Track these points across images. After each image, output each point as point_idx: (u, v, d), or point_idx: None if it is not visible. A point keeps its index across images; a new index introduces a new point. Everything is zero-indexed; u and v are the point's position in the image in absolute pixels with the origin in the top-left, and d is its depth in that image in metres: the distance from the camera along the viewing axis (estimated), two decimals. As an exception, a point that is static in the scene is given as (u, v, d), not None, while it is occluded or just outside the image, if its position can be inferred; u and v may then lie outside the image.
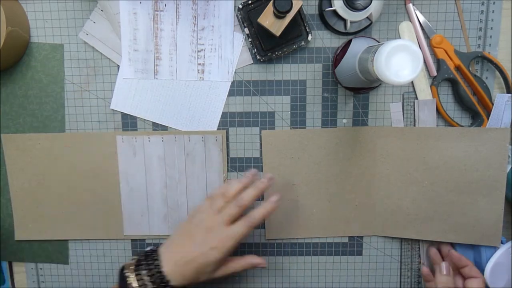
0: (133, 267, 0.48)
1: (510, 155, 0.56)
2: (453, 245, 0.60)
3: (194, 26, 0.56)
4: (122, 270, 0.49)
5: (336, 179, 0.58)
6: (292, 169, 0.58)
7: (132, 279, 0.47)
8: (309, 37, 0.54)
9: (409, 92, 0.57)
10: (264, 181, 0.51)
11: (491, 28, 0.55)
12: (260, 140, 0.58)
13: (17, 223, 0.60)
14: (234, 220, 0.49)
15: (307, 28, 0.54)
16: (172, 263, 0.48)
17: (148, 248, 0.51)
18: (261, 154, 0.59)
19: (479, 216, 0.56)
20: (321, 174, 0.58)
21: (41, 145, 0.58)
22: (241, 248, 0.61)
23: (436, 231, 0.58)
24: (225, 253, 0.48)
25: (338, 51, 0.53)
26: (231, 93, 0.57)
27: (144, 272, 0.47)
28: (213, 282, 0.51)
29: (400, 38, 0.56)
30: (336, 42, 0.56)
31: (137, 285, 0.47)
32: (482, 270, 0.56)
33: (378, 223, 0.59)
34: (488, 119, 0.56)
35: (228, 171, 0.59)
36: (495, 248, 0.56)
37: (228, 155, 0.59)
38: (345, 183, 0.58)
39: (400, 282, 0.61)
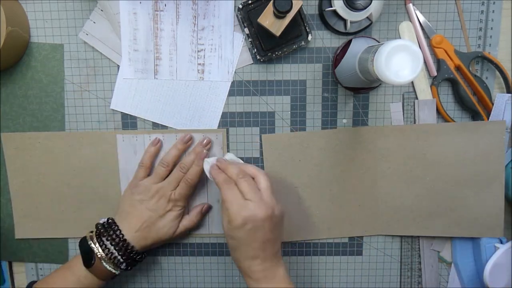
0: (95, 238, 0.51)
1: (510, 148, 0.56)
2: (454, 244, 0.60)
3: (194, 26, 0.56)
4: (83, 242, 0.52)
5: (338, 180, 0.58)
6: (294, 172, 0.58)
7: (97, 249, 0.50)
8: (309, 37, 0.54)
9: (409, 92, 0.57)
10: (200, 146, 0.56)
11: (491, 28, 0.55)
12: (260, 141, 0.58)
13: (17, 222, 0.60)
14: (179, 182, 0.55)
15: (307, 28, 0.54)
16: (133, 230, 0.53)
17: (102, 220, 0.55)
18: (261, 154, 0.59)
19: (480, 209, 0.57)
20: (322, 175, 0.58)
21: (41, 144, 0.58)
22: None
23: (440, 226, 0.58)
24: (180, 213, 0.55)
25: (338, 51, 0.53)
26: (231, 93, 0.57)
27: (108, 242, 0.51)
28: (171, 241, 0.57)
29: (400, 38, 0.56)
30: (336, 42, 0.56)
31: (104, 254, 0.50)
32: (482, 270, 0.56)
33: (382, 222, 0.59)
34: (488, 119, 0.56)
35: (228, 171, 0.59)
36: (495, 248, 0.57)
37: (228, 155, 0.59)
38: (347, 184, 0.58)
39: (400, 282, 0.61)
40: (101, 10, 0.56)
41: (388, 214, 0.59)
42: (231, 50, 0.56)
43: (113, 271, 0.51)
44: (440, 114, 0.57)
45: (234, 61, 0.57)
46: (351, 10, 0.51)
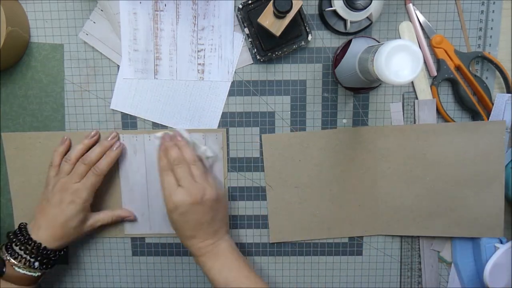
0: (4, 247, 0.52)
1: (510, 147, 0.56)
2: (454, 244, 0.60)
3: (194, 26, 0.56)
4: None
5: (338, 180, 0.58)
6: (294, 172, 0.58)
7: (5, 256, 0.50)
8: (309, 37, 0.54)
9: (409, 92, 0.57)
10: (109, 140, 0.56)
11: (491, 28, 0.55)
12: (260, 141, 0.58)
13: (17, 222, 0.60)
14: (83, 175, 0.54)
15: (307, 28, 0.54)
16: (39, 230, 0.52)
17: (16, 228, 0.54)
18: (261, 154, 0.59)
19: (481, 209, 0.57)
20: (322, 175, 0.58)
21: (41, 144, 0.58)
22: (242, 248, 0.61)
23: (440, 226, 0.58)
24: (82, 204, 0.53)
25: (338, 51, 0.53)
26: (231, 93, 0.57)
27: (16, 247, 0.51)
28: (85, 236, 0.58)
29: (400, 38, 0.56)
30: (336, 42, 0.56)
31: (16, 261, 0.50)
32: (482, 270, 0.56)
33: (382, 222, 0.59)
34: (488, 119, 0.56)
35: (228, 171, 0.59)
36: (495, 248, 0.57)
37: (228, 155, 0.59)
38: (347, 184, 0.58)
39: (400, 282, 0.61)
40: (101, 10, 0.56)
41: (388, 214, 0.59)
42: (231, 50, 0.56)
43: (30, 273, 0.51)
44: (440, 114, 0.57)
45: (234, 61, 0.57)
46: (351, 10, 0.51)
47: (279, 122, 0.58)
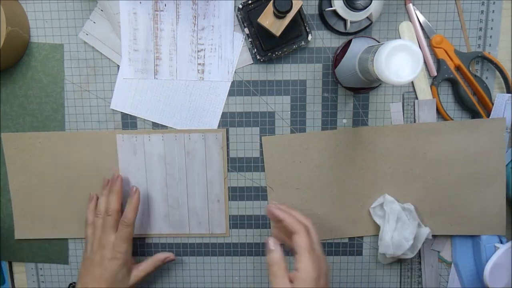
0: None
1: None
2: (454, 244, 0.60)
3: (194, 26, 0.56)
4: None
5: (339, 180, 0.58)
6: (294, 174, 0.58)
7: None
8: (309, 37, 0.54)
9: (409, 92, 0.57)
10: (115, 182, 0.56)
11: (491, 28, 0.55)
12: (260, 141, 0.58)
13: (17, 222, 0.60)
14: (117, 225, 0.54)
15: (307, 28, 0.54)
16: None
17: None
18: (261, 154, 0.59)
19: (482, 207, 0.57)
20: (323, 176, 0.58)
21: (41, 144, 0.58)
22: (242, 248, 0.61)
23: (442, 225, 0.58)
24: (123, 258, 0.53)
25: (338, 51, 0.53)
26: (231, 93, 0.57)
27: None
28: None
29: (400, 38, 0.56)
30: (336, 42, 0.56)
31: None
32: (482, 270, 0.56)
33: (379, 223, 0.59)
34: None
35: (228, 171, 0.59)
36: (495, 248, 0.57)
37: (228, 155, 0.59)
38: (348, 184, 0.58)
39: (400, 282, 0.61)
40: (101, 10, 0.56)
41: (388, 214, 0.59)
42: (231, 50, 0.56)
43: None
44: (440, 114, 0.57)
45: (234, 61, 0.57)
46: (351, 10, 0.51)
47: (279, 122, 0.58)
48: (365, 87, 0.52)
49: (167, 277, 0.62)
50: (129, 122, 0.58)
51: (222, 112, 0.58)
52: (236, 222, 0.61)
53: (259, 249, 0.61)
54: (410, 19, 0.56)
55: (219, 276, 0.62)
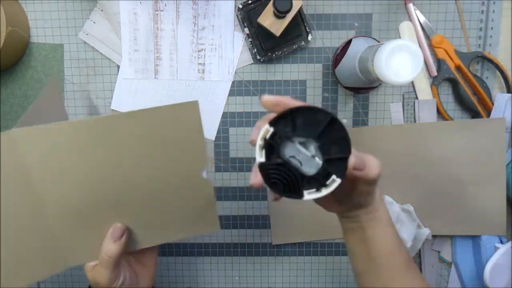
0: None
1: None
2: (454, 244, 0.60)
3: (194, 26, 0.56)
4: None
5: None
6: None
7: None
8: (309, 37, 0.54)
9: (409, 92, 0.57)
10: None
11: (491, 28, 0.55)
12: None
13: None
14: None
15: (307, 28, 0.54)
16: None
17: None
18: (261, 154, 0.59)
19: (483, 206, 0.57)
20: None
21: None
22: (242, 248, 0.61)
23: (443, 225, 0.58)
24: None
25: (338, 51, 0.53)
26: (231, 93, 0.57)
27: None
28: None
29: (400, 38, 0.56)
30: (336, 42, 0.56)
31: None
32: (482, 270, 0.56)
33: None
34: (488, 119, 0.56)
35: (228, 170, 0.59)
36: (495, 248, 0.57)
37: (228, 155, 0.59)
38: (346, 183, 0.58)
39: (400, 282, 0.61)
40: (101, 10, 0.56)
41: (388, 214, 0.59)
42: (231, 49, 0.56)
43: None
44: (440, 114, 0.57)
45: (234, 61, 0.57)
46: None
47: (279, 122, 0.58)
48: (365, 87, 0.52)
49: (167, 277, 0.62)
50: (129, 122, 0.58)
51: (222, 112, 0.58)
52: (236, 222, 0.61)
53: (258, 249, 0.61)
54: (410, 19, 0.56)
55: (219, 276, 0.62)
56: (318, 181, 0.33)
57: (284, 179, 0.33)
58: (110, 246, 0.41)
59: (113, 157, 0.39)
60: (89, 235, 0.42)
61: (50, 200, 0.39)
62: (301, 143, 0.33)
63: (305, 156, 0.33)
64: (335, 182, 0.33)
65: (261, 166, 0.33)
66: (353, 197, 0.39)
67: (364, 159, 0.37)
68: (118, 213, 0.42)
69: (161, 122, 0.40)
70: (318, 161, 0.33)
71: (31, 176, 0.38)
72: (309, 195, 0.34)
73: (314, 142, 0.33)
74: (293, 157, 0.33)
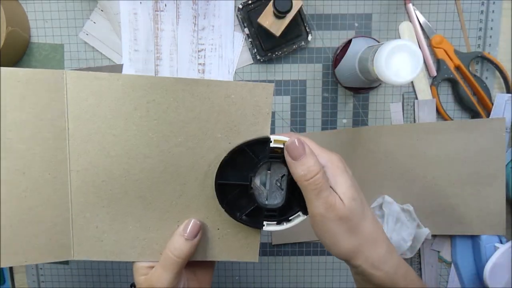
0: None
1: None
2: (454, 244, 0.60)
3: (194, 26, 0.56)
4: None
5: (337, 179, 0.58)
6: None
7: None
8: (309, 37, 0.54)
9: (409, 92, 0.57)
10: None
11: (491, 28, 0.56)
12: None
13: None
14: None
15: (307, 28, 0.54)
16: None
17: None
18: (261, 154, 0.59)
19: (482, 206, 0.57)
20: (321, 174, 0.58)
21: None
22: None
23: (442, 225, 0.58)
24: None
25: (338, 51, 0.53)
26: (231, 93, 0.57)
27: None
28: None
29: (400, 38, 0.56)
30: (336, 42, 0.56)
31: None
32: (482, 270, 0.56)
33: (379, 222, 0.59)
34: (488, 119, 0.56)
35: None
36: (495, 248, 0.57)
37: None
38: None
39: (400, 282, 0.61)
40: (101, 10, 0.56)
41: (388, 214, 0.59)
42: (231, 49, 0.56)
43: None
44: (440, 114, 0.57)
45: (234, 61, 0.57)
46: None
47: (279, 122, 0.58)
48: (365, 87, 0.52)
49: (167, 277, 0.62)
50: (129, 122, 0.58)
51: (222, 112, 0.58)
52: (236, 222, 0.61)
53: (259, 249, 0.61)
54: (410, 19, 0.56)
55: (219, 276, 0.62)
56: (280, 214, 0.33)
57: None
58: (181, 245, 0.34)
59: (164, 129, 0.33)
60: (107, 225, 0.34)
61: (75, 166, 0.33)
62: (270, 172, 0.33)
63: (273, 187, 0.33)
64: (299, 217, 0.33)
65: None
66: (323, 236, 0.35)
67: (305, 150, 0.33)
68: (147, 206, 0.35)
69: (228, 98, 0.34)
70: (283, 193, 0.33)
71: (66, 131, 0.32)
72: (269, 227, 0.34)
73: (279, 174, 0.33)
74: (264, 184, 0.33)
